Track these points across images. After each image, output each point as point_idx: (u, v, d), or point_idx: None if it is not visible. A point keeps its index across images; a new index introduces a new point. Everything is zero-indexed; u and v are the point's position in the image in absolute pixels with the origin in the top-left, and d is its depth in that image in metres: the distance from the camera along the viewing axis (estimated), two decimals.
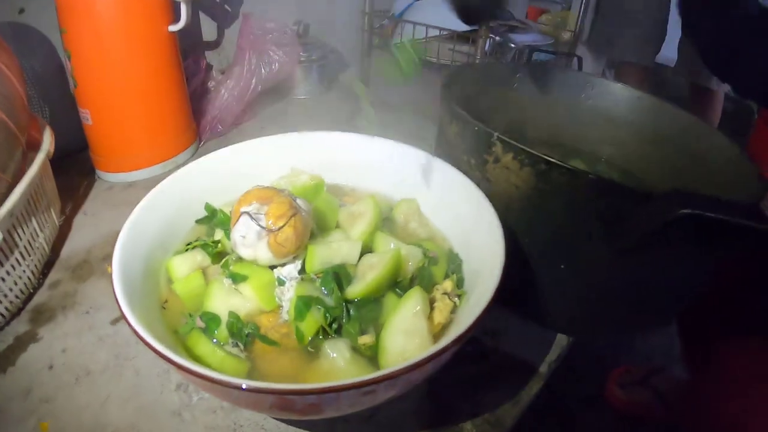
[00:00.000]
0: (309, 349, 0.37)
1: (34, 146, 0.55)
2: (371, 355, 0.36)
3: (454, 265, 0.43)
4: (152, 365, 0.45)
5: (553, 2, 1.62)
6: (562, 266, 0.43)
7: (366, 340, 0.36)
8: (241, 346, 0.37)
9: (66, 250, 0.58)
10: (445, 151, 0.49)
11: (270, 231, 0.37)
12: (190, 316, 0.39)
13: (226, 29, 0.90)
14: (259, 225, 0.37)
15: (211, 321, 0.38)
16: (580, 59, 0.76)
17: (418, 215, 0.48)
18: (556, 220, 0.41)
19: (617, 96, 0.62)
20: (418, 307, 0.36)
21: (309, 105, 0.99)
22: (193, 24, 0.70)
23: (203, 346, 0.36)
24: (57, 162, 0.59)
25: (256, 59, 0.81)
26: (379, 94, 1.09)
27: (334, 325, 0.37)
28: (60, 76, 0.73)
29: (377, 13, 1.11)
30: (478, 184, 0.43)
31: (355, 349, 0.36)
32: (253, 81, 0.81)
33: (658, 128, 0.59)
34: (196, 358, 0.35)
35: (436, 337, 0.36)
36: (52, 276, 0.54)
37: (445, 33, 0.99)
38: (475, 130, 0.43)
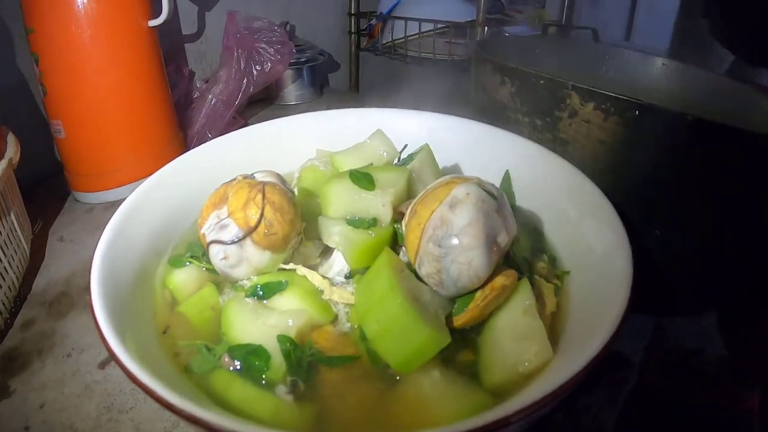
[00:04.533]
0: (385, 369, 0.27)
1: None
2: (469, 369, 0.27)
3: (538, 243, 0.35)
4: (157, 417, 0.35)
5: (525, 4, 1.64)
6: (657, 232, 0.37)
7: (467, 355, 0.27)
8: (302, 386, 0.26)
9: (40, 283, 0.49)
10: (493, 117, 0.43)
11: (248, 232, 0.29)
12: (208, 350, 0.28)
13: (206, 11, 0.82)
14: (232, 237, 0.29)
15: (252, 356, 0.27)
16: (595, 31, 0.72)
17: None
18: (650, 176, 0.35)
19: (637, 65, 0.60)
20: (528, 302, 0.27)
21: (301, 110, 0.92)
22: (172, 20, 0.61)
23: (240, 389, 0.25)
24: (27, 189, 0.52)
25: (245, 59, 0.74)
26: (372, 96, 1.04)
27: None
28: (26, 88, 0.63)
29: (363, 14, 1.06)
30: (552, 148, 0.37)
31: (448, 362, 0.27)
32: (244, 82, 0.73)
33: (686, 93, 0.55)
34: (233, 410, 0.25)
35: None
36: (24, 314, 0.46)
37: (440, 27, 0.95)
38: (542, 84, 0.36)
